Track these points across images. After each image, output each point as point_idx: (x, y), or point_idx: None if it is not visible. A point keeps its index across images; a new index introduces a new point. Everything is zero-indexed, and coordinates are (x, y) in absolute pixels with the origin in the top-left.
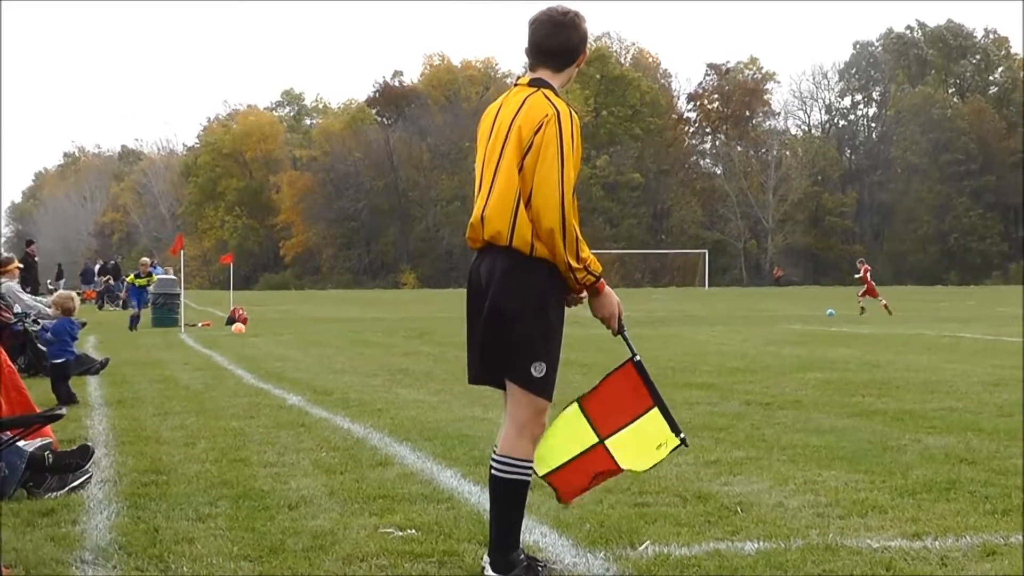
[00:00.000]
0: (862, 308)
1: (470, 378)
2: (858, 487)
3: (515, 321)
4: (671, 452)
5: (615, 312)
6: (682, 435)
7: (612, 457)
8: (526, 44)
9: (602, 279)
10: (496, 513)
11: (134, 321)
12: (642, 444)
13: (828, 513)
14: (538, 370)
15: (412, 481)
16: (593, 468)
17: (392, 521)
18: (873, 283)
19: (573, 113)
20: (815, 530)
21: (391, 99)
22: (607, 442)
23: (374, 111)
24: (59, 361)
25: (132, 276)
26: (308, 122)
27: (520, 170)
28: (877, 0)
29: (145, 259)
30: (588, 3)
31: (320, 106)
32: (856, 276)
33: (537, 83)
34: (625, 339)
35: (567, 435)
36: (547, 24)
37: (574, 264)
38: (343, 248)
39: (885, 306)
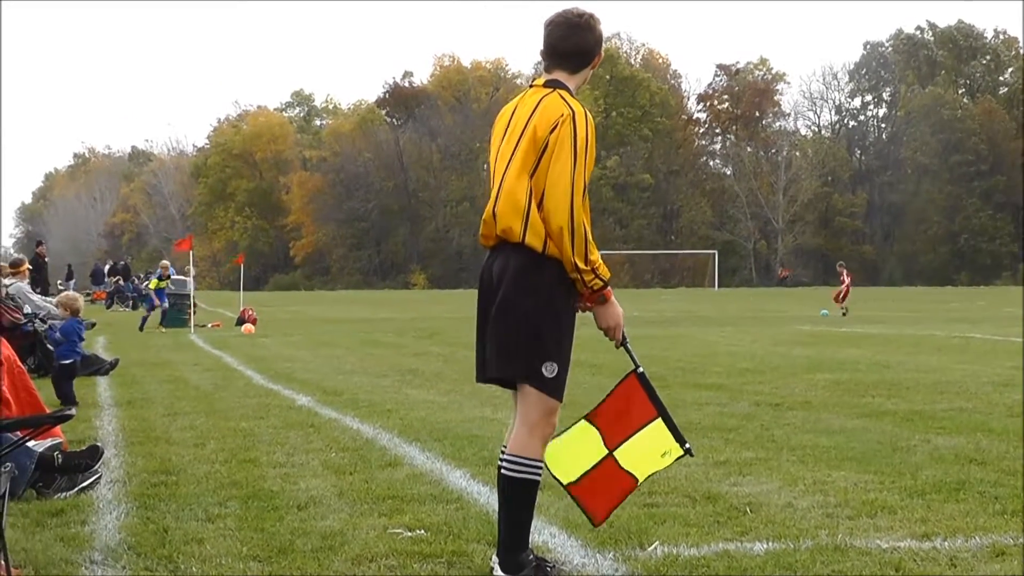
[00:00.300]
0: (845, 310)
1: (478, 377)
2: (867, 488)
3: (527, 320)
4: (675, 460)
5: (620, 323)
6: (687, 445)
7: (622, 467)
8: (542, 46)
9: (609, 287)
10: (506, 513)
11: (146, 319)
12: (647, 452)
13: (837, 514)
14: (549, 370)
15: (421, 482)
16: (608, 481)
17: (401, 522)
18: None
19: (588, 114)
20: (824, 530)
21: (401, 100)
22: (615, 453)
23: (384, 112)
24: (68, 362)
25: (155, 280)
26: (318, 123)
27: (534, 169)
28: (887, 0)
29: (165, 262)
30: (599, 4)
31: (330, 107)
32: (845, 281)
33: (553, 84)
34: (628, 351)
35: (579, 448)
36: (562, 26)
37: (582, 266)
38: (353, 249)
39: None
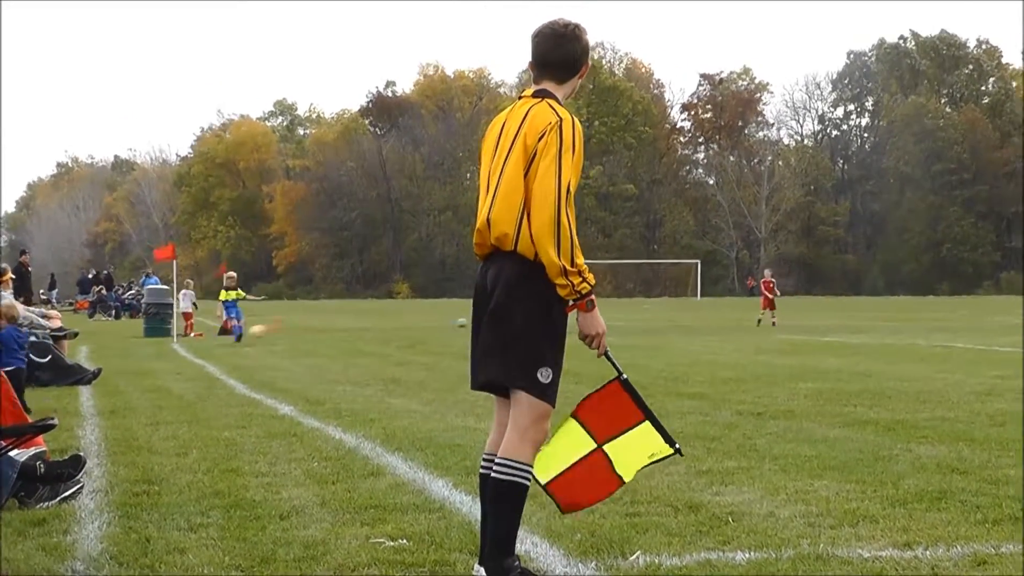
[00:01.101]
0: (763, 321)
1: (473, 384)
2: (849, 497)
3: (521, 326)
4: (664, 458)
5: (604, 330)
6: (676, 445)
7: (610, 462)
8: (530, 57)
9: (593, 294)
10: (494, 518)
11: (236, 332)
12: (635, 452)
13: (819, 523)
14: (544, 376)
15: (404, 491)
16: (593, 475)
17: (383, 531)
18: (770, 296)
19: (577, 122)
20: (806, 540)
21: (384, 109)
22: (605, 447)
23: (367, 121)
24: (10, 369)
25: (224, 292)
26: (301, 132)
27: (524, 177)
28: (874, 1)
29: (232, 273)
30: (583, 9)
31: (313, 116)
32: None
33: (541, 94)
34: (610, 359)
35: (565, 444)
36: (550, 37)
37: (569, 268)
38: (336, 258)
39: (773, 322)
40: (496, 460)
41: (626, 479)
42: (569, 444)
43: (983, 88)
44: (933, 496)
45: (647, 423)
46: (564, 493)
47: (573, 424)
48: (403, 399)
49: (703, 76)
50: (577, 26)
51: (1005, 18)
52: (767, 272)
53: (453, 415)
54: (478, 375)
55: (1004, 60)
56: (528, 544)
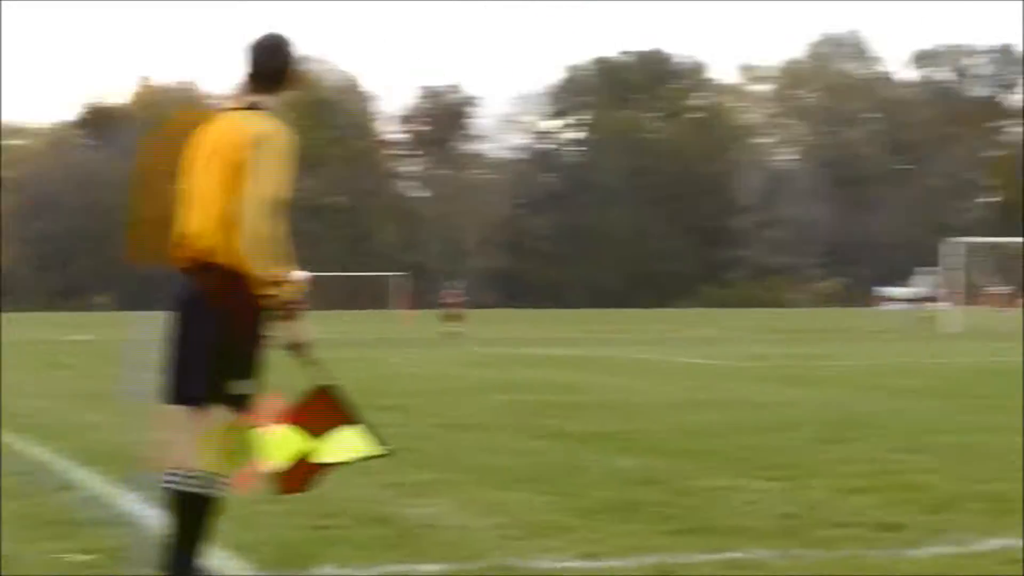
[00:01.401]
0: (452, 333)
1: (168, 397)
2: (540, 508)
3: (221, 339)
4: (375, 457)
5: (308, 339)
6: (386, 445)
7: (321, 459)
8: (244, 69)
9: (301, 303)
10: (181, 530)
11: None
12: (345, 449)
13: (509, 534)
14: (241, 388)
15: (94, 505)
16: (307, 470)
17: (72, 546)
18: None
19: (287, 133)
20: (497, 551)
21: (98, 121)
22: (315, 443)
23: (79, 132)
24: None
25: None
26: (7, 143)
27: (230, 189)
28: (589, 2)
29: None
30: (297, 21)
31: (20, 127)
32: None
33: (251, 105)
34: (314, 367)
35: (277, 443)
36: (261, 49)
37: (272, 278)
38: (38, 270)
39: (460, 332)
40: (185, 473)
41: (336, 460)
42: (281, 442)
43: (691, 103)
44: (623, 507)
45: (354, 426)
46: (278, 483)
47: (283, 427)
48: (98, 413)
49: (415, 88)
50: (289, 39)
51: (714, 36)
52: (455, 286)
53: (146, 429)
54: (173, 388)
55: (712, 76)
56: (215, 557)
